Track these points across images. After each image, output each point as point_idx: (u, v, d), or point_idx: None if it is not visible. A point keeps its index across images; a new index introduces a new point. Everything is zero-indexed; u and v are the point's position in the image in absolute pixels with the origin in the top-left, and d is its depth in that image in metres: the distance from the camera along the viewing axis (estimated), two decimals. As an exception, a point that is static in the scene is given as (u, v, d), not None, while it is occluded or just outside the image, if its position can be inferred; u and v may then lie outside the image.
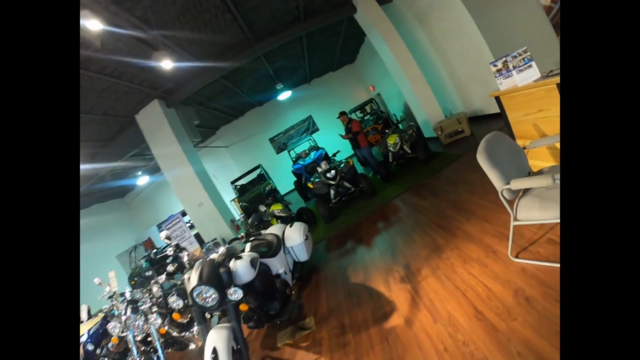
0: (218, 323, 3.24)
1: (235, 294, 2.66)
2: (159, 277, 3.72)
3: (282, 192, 12.31)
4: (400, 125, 7.52)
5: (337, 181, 6.29)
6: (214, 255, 3.01)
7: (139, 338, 3.37)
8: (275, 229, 4.14)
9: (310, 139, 12.04)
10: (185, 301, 3.01)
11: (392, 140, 6.64)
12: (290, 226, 4.13)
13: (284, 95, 12.12)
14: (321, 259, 4.71)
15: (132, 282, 7.74)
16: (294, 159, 11.17)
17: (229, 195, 11.68)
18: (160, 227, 7.13)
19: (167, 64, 4.88)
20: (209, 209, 7.44)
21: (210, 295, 2.63)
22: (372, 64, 11.49)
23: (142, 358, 3.31)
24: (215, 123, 12.71)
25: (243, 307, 2.72)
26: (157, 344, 3.39)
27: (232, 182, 11.45)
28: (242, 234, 3.35)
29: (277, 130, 13.72)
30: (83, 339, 3.80)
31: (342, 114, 7.45)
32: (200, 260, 2.94)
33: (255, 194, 10.15)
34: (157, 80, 6.53)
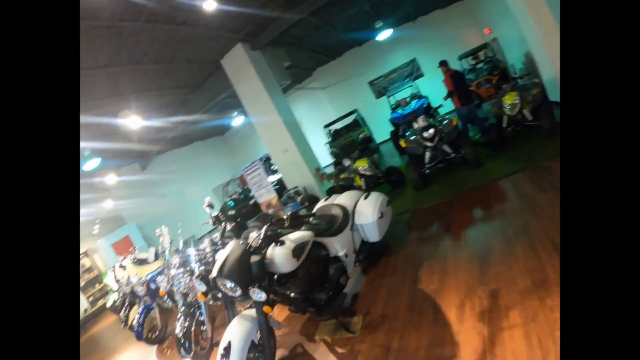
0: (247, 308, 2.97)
1: (257, 295, 2.23)
2: (213, 237, 3.63)
3: (378, 141, 11.40)
4: (520, 81, 5.50)
5: (435, 143, 5.07)
6: (254, 233, 2.57)
7: (183, 291, 3.45)
8: (346, 198, 3.43)
9: (412, 85, 10.42)
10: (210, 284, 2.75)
11: (511, 99, 4.87)
12: (366, 198, 3.35)
13: (384, 35, 10.21)
14: (398, 238, 3.94)
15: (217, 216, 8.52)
16: (392, 106, 9.91)
17: (321, 139, 11.35)
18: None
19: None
20: (293, 155, 7.19)
21: (231, 288, 2.27)
22: (489, 1, 8.67)
23: (186, 310, 3.39)
24: (311, 64, 11.93)
25: (267, 310, 2.30)
26: (202, 304, 3.41)
27: (326, 126, 11.04)
28: (287, 215, 2.77)
29: (377, 73, 12.18)
30: (147, 277, 4.21)
31: (443, 63, 6.31)
32: (233, 242, 2.55)
33: (348, 140, 9.57)
34: (236, 24, 6.11)
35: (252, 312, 2.43)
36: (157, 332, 4.34)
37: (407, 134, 5.66)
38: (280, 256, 2.38)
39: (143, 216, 12.50)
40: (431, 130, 5.06)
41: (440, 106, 6.22)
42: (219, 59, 7.24)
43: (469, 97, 6.14)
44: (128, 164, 12.65)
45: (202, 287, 2.73)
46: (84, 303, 10.78)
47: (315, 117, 13.06)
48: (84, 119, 6.48)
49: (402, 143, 5.50)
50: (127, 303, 5.05)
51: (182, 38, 5.68)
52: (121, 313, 5.17)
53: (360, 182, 5.68)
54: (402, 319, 2.52)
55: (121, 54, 5.42)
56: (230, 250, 2.44)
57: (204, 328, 3.50)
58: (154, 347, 4.49)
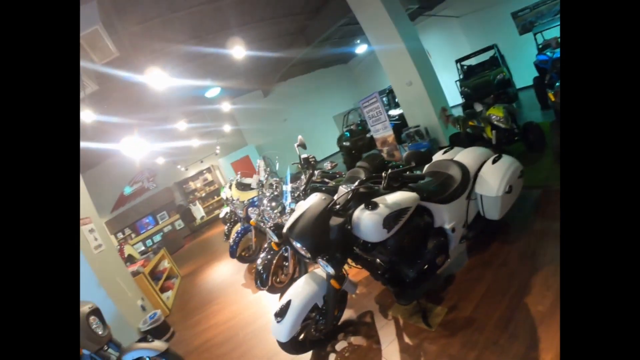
0: None
1: (326, 267, 1.98)
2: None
3: (519, 86, 9.15)
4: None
5: None
6: (343, 188, 2.21)
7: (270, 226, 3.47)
8: (470, 156, 2.70)
9: (568, 22, 7.47)
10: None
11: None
12: (494, 161, 2.59)
13: None
14: (521, 220, 3.04)
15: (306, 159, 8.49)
16: (540, 46, 7.50)
17: (452, 75, 9.71)
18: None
19: None
20: (418, 90, 6.30)
21: (301, 249, 2.06)
22: None
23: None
24: None
25: (334, 284, 2.04)
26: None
27: (458, 61, 9.28)
28: (385, 174, 2.14)
29: (523, 4, 9.15)
30: (247, 202, 4.46)
31: None
32: (316, 195, 2.23)
33: (483, 80, 7.95)
34: None
35: (324, 272, 2.23)
36: (250, 253, 4.79)
37: (557, 84, 4.14)
38: (367, 223, 1.99)
39: (264, 139, 13.70)
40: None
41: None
42: (337, -23, 6.42)
43: None
44: (251, 91, 13.61)
45: (275, 238, 2.66)
46: (201, 211, 12.99)
47: (448, 49, 11.12)
48: (202, 49, 6.71)
49: (551, 96, 4.05)
50: (232, 219, 5.68)
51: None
52: (225, 228, 5.87)
53: (490, 134, 4.55)
54: (487, 335, 1.96)
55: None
56: (309, 205, 2.14)
57: (287, 263, 3.60)
58: (246, 265, 5.02)
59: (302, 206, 2.21)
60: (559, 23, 7.65)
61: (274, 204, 3.48)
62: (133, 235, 12.29)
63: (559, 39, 7.25)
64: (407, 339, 2.25)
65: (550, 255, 2.41)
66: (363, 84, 15.63)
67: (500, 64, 8.24)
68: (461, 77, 9.05)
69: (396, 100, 9.31)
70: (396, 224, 2.04)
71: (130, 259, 6.87)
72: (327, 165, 3.97)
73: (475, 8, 10.14)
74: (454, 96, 9.15)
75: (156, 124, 10.49)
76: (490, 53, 8.72)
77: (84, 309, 2.41)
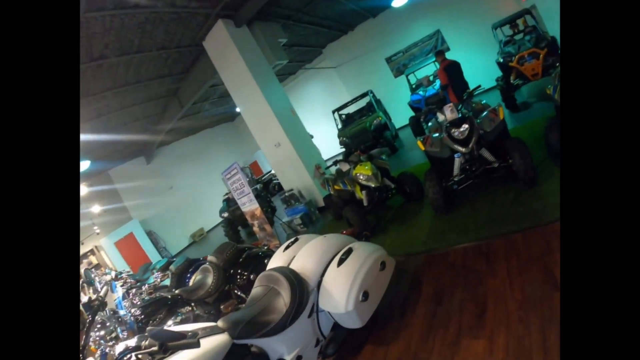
0: None
1: None
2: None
3: (398, 126, 9.70)
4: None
5: (471, 146, 3.34)
6: None
7: None
8: (314, 253, 2.05)
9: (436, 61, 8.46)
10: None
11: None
12: (340, 262, 1.92)
13: (401, 1, 8.13)
14: (398, 302, 2.46)
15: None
16: (413, 86, 8.11)
17: (332, 128, 9.81)
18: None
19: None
20: (287, 151, 5.90)
21: None
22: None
23: None
24: (320, 40, 10.31)
25: None
26: None
27: (335, 111, 9.43)
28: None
29: (395, 48, 10.20)
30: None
31: (438, 53, 5.94)
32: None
33: (359, 128, 8.06)
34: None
35: None
36: None
37: (429, 125, 4.05)
38: None
39: (149, 212, 11.96)
40: (464, 126, 3.35)
41: (478, 87, 4.43)
42: (200, 40, 6.10)
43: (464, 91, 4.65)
44: (132, 158, 12.03)
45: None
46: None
47: (327, 99, 11.49)
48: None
49: (420, 144, 3.88)
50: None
51: (144, 22, 4.72)
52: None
53: (361, 194, 4.17)
54: None
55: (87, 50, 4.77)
56: None
57: None
58: None
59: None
60: (429, 62, 8.40)
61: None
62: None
63: (430, 77, 7.85)
64: None
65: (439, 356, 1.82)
66: (253, 140, 15.30)
67: (376, 109, 8.56)
68: (339, 126, 9.16)
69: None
70: None
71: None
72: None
73: (350, 57, 10.79)
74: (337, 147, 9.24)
75: None
76: (366, 99, 9.06)
77: None
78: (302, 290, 1.77)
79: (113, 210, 11.36)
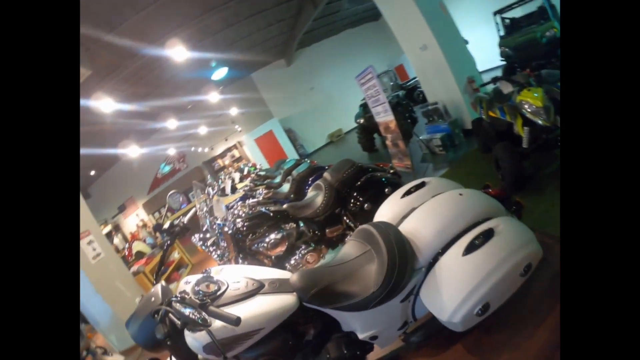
0: None
1: None
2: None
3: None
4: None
5: None
6: None
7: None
8: (439, 215, 1.44)
9: None
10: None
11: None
12: (471, 248, 1.29)
13: None
14: (521, 304, 1.62)
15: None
16: None
17: (493, 34, 7.53)
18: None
19: None
20: (434, 56, 4.80)
21: None
22: None
23: None
24: None
25: None
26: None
27: (497, 13, 7.02)
28: None
29: None
30: None
31: None
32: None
33: (527, 38, 5.98)
34: None
35: None
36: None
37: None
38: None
39: (289, 111, 12.83)
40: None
41: None
42: None
43: None
44: (272, 62, 12.54)
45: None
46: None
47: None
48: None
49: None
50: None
51: None
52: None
53: (522, 130, 3.01)
54: None
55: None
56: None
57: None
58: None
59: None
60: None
61: None
62: (169, 214, 12.70)
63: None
64: None
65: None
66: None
67: (551, 16, 5.97)
68: (501, 33, 6.95)
69: None
70: (236, 347, 1.29)
71: (139, 256, 6.85)
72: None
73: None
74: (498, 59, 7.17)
75: (176, 110, 10.32)
76: (538, 2, 6.37)
77: None
78: (402, 269, 1.29)
79: (255, 110, 12.63)
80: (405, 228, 1.42)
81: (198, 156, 13.19)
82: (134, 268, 5.83)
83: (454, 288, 1.23)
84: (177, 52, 4.88)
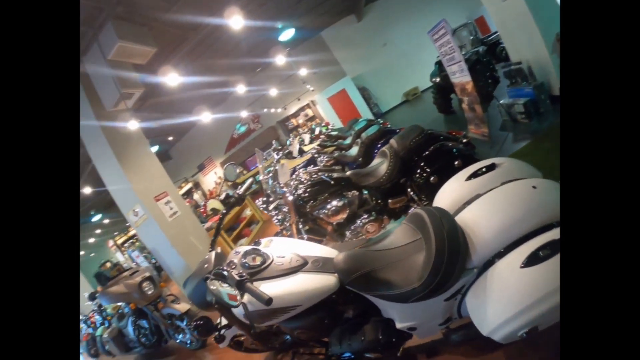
0: None
1: None
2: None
3: None
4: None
5: None
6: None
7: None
8: (509, 206, 1.18)
9: None
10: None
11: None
12: (534, 258, 1.04)
13: None
14: None
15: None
16: None
17: None
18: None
19: None
20: (517, 7, 4.03)
21: None
22: None
23: None
24: None
25: None
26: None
27: None
28: None
29: None
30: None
31: None
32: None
33: None
34: None
35: None
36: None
37: None
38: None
39: (362, 69, 12.34)
40: None
41: None
42: None
43: None
44: (341, 17, 11.89)
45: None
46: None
47: None
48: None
49: None
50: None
51: None
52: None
53: None
54: None
55: None
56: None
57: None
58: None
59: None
60: None
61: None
62: (245, 172, 13.69)
63: None
64: None
65: None
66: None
67: None
68: None
69: None
70: (272, 318, 1.38)
71: (214, 212, 7.61)
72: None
73: None
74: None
75: (246, 74, 10.63)
76: None
77: (136, 280, 3.67)
78: (450, 269, 1.12)
79: (326, 69, 12.33)
80: (463, 218, 1.23)
81: (272, 116, 13.68)
82: (208, 224, 6.52)
83: (502, 302, 1.04)
84: (237, 20, 4.86)
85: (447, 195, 1.48)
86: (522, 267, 1.01)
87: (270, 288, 1.29)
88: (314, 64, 12.12)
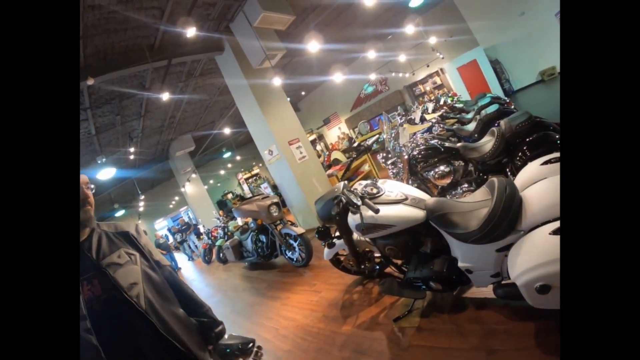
0: None
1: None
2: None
3: None
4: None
5: None
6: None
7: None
8: (544, 189, 1.64)
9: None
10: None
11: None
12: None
13: None
14: None
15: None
16: None
17: None
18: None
19: None
20: None
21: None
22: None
23: None
24: None
25: None
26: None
27: None
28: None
29: None
30: None
31: None
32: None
33: None
34: None
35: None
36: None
37: None
38: (351, 222, 2.18)
39: (496, 39, 11.02)
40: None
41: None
42: None
43: None
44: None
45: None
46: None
47: None
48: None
49: None
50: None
51: None
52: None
53: None
54: None
55: None
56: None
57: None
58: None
59: None
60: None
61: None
62: (359, 136, 14.55)
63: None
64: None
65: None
66: None
67: None
68: None
69: None
70: (374, 231, 2.06)
71: (336, 162, 8.69)
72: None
73: None
74: None
75: (376, 40, 10.82)
76: None
77: (267, 202, 4.68)
78: (499, 222, 1.57)
79: (457, 38, 11.41)
80: (526, 192, 1.64)
81: (399, 80, 13.76)
82: (330, 171, 7.57)
83: (528, 255, 1.43)
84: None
85: (525, 173, 1.86)
86: (549, 234, 1.39)
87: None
88: (445, 32, 11.35)
